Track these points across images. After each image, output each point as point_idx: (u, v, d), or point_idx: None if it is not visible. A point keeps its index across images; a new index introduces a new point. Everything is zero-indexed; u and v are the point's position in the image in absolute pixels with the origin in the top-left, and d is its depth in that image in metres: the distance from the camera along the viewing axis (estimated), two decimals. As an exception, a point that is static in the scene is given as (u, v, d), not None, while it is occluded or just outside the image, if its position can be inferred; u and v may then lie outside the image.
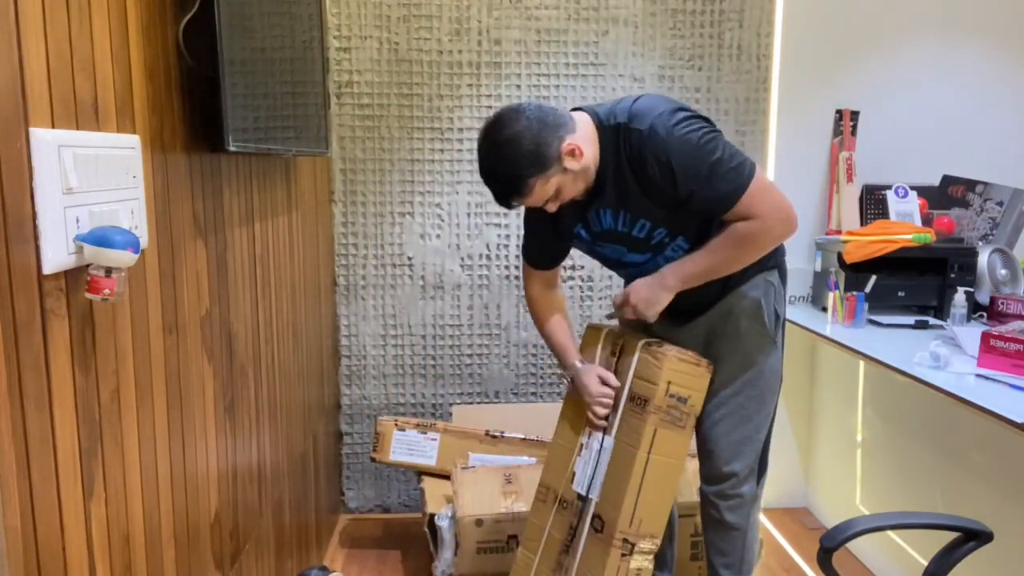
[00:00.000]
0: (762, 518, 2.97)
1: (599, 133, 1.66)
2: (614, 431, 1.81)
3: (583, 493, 1.84)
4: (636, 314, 1.77)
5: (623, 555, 1.73)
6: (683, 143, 1.58)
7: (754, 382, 1.82)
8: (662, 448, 1.74)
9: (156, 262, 1.20)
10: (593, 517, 1.79)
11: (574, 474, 1.87)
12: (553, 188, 1.62)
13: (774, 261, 1.84)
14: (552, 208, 1.68)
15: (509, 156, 1.58)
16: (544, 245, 1.89)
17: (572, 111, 1.69)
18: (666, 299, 1.74)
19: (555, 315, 1.95)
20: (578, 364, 1.89)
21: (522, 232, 1.93)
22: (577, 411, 1.89)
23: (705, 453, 1.88)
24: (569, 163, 1.60)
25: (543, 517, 1.92)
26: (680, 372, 1.74)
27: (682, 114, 1.61)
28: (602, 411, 1.81)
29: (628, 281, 1.87)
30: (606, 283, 2.89)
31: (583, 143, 1.62)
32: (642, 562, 1.74)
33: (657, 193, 1.65)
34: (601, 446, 1.82)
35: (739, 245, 1.67)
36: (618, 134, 1.63)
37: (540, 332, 1.98)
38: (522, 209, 1.78)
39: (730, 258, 1.70)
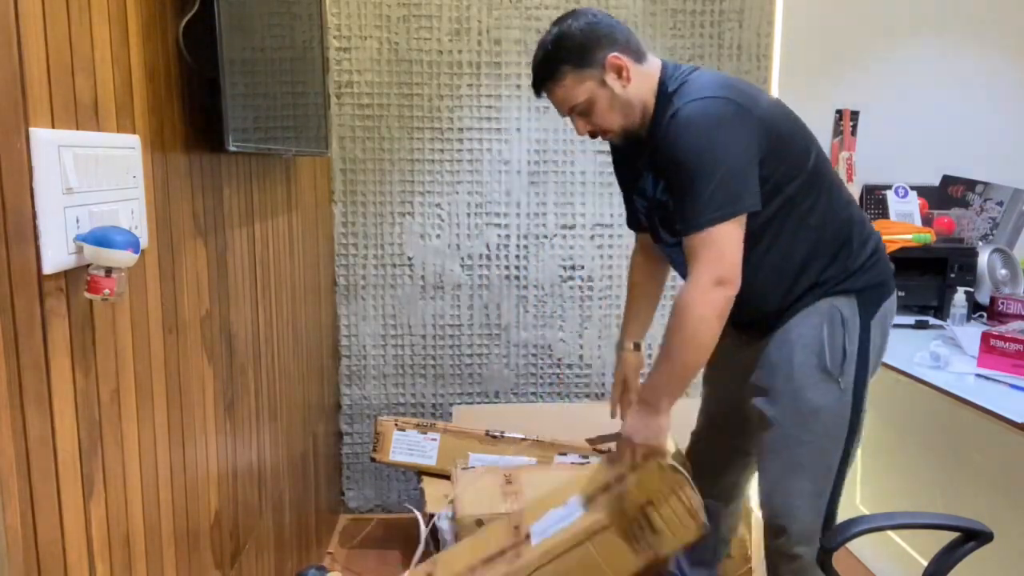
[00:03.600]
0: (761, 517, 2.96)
1: (659, 87, 1.56)
2: (593, 507, 1.70)
3: (530, 533, 1.77)
4: (646, 455, 1.62)
5: None
6: (690, 142, 1.46)
7: (808, 426, 1.59)
8: (602, 547, 1.60)
9: (156, 262, 1.20)
10: (517, 554, 1.76)
11: (543, 515, 1.81)
12: (585, 94, 1.54)
13: (853, 282, 1.60)
14: (581, 129, 1.59)
15: (558, 39, 1.54)
16: (629, 207, 1.81)
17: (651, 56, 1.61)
18: (666, 421, 1.59)
19: (638, 285, 1.88)
20: (624, 350, 1.84)
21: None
22: (594, 480, 1.79)
23: (760, 500, 1.72)
24: (611, 79, 1.53)
25: (497, 529, 1.92)
26: (670, 506, 1.58)
27: (719, 112, 1.45)
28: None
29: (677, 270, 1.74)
30: (606, 283, 2.89)
31: (637, 75, 1.54)
32: None
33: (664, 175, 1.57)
34: (575, 512, 1.73)
35: (676, 326, 1.50)
36: (666, 98, 1.54)
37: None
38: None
39: (674, 346, 1.51)
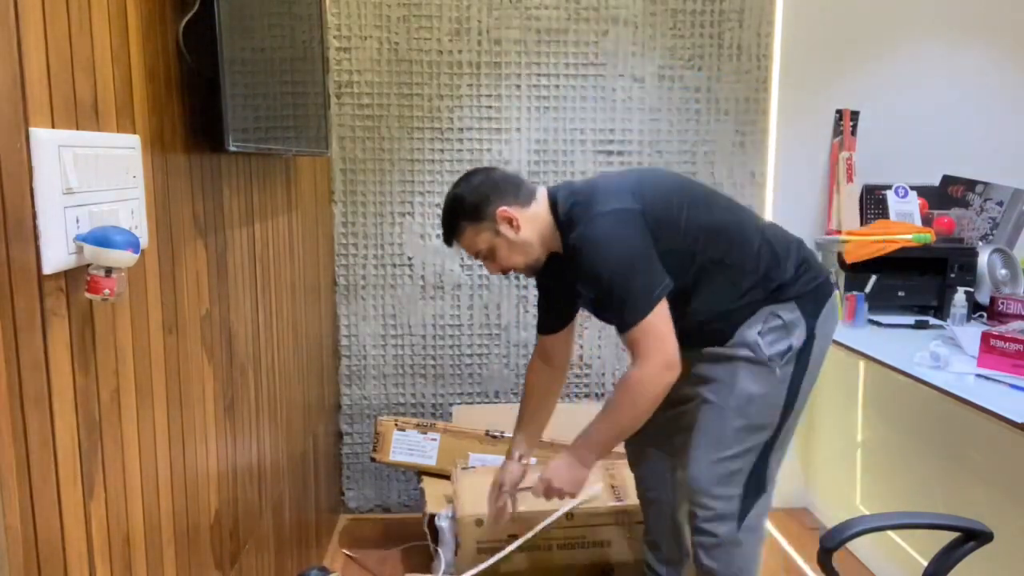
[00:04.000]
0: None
1: (555, 216, 1.77)
2: None
3: None
4: (564, 495, 1.82)
5: None
6: (597, 260, 1.66)
7: (742, 409, 1.75)
8: None
9: (156, 262, 1.20)
10: None
11: None
12: (484, 243, 1.78)
13: (787, 292, 1.76)
14: (491, 269, 1.84)
15: (454, 201, 1.79)
16: (549, 303, 1.99)
17: (541, 187, 1.83)
18: (587, 475, 1.80)
19: (536, 393, 2.02)
20: (509, 460, 2.01)
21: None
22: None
23: (685, 478, 1.83)
24: (504, 228, 1.76)
25: None
26: None
27: (609, 226, 1.66)
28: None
29: None
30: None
31: (526, 220, 1.76)
32: None
33: (585, 286, 1.75)
34: None
35: (628, 401, 1.69)
36: (566, 223, 1.74)
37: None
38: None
39: (624, 415, 1.72)
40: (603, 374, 2.93)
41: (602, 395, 2.94)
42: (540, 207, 1.79)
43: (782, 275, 1.77)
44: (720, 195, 1.88)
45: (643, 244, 1.66)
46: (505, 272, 1.85)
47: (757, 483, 1.78)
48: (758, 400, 1.75)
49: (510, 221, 1.76)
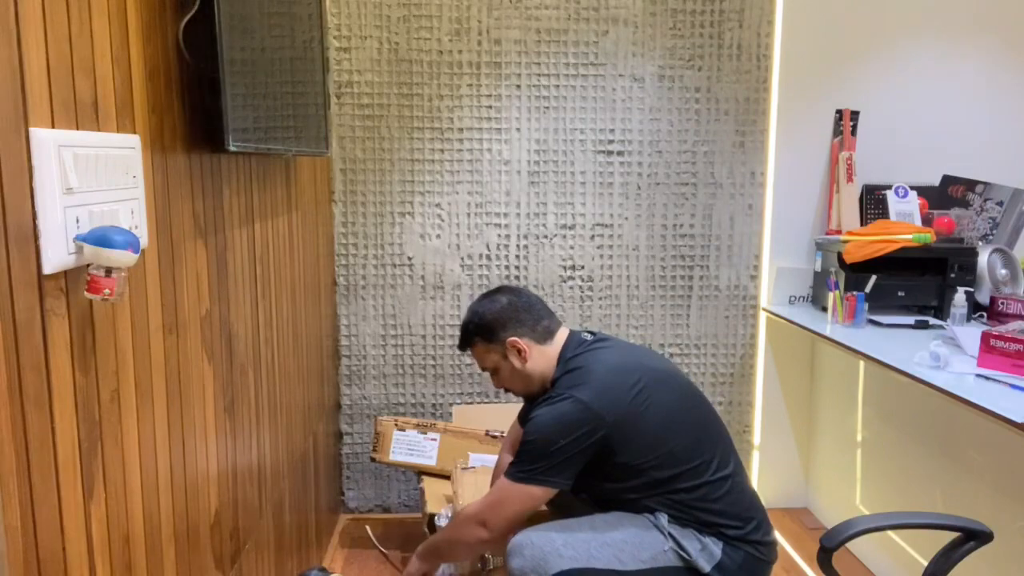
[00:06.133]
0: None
1: (559, 363, 1.83)
2: None
3: None
4: None
5: None
6: (550, 420, 1.70)
7: (613, 530, 1.72)
8: None
9: (156, 262, 1.20)
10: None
11: None
12: (491, 362, 1.88)
13: (728, 535, 1.72)
14: (495, 383, 1.93)
15: (474, 316, 1.89)
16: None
17: (564, 329, 1.90)
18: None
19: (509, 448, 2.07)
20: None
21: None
22: None
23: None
24: (512, 356, 1.84)
25: None
26: None
27: (571, 407, 1.69)
28: None
29: None
30: (606, 283, 2.89)
31: (536, 356, 1.84)
32: None
33: None
34: None
35: (446, 535, 1.84)
36: (561, 374, 1.81)
37: None
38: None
39: (442, 543, 1.86)
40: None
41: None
42: (552, 349, 1.86)
43: (731, 525, 1.73)
44: (710, 419, 1.83)
45: (573, 447, 1.68)
46: (505, 390, 1.93)
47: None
48: (636, 538, 1.70)
49: (519, 352, 1.84)
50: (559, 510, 1.96)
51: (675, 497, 1.73)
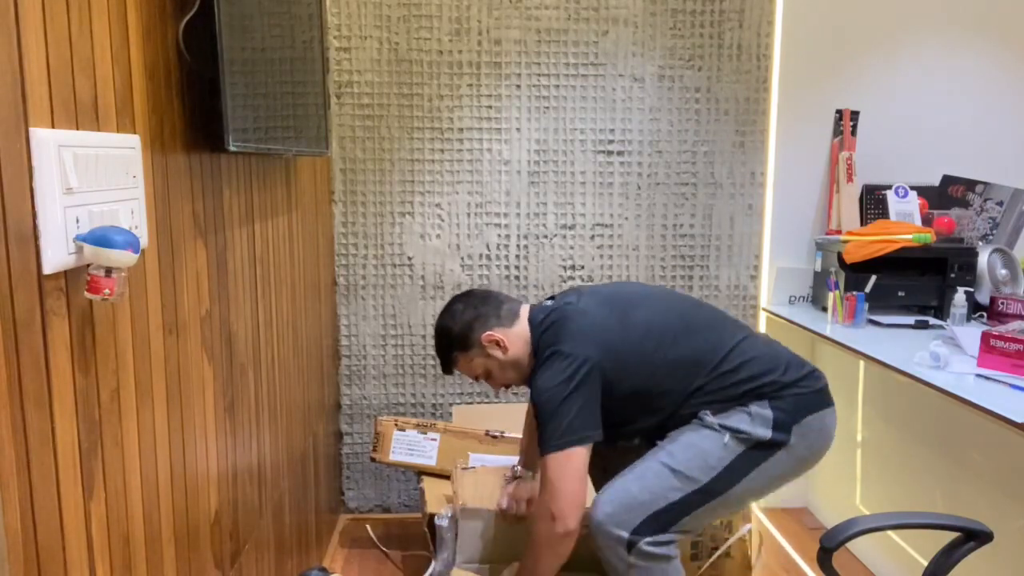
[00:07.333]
0: (762, 517, 2.97)
1: (532, 337, 1.86)
2: None
3: None
4: None
5: None
6: (546, 381, 1.72)
7: (674, 452, 1.76)
8: None
9: (156, 262, 1.20)
10: None
11: None
12: (479, 368, 1.90)
13: (769, 392, 1.76)
14: (494, 387, 1.94)
15: (441, 335, 1.91)
16: None
17: (524, 304, 1.93)
18: None
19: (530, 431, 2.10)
20: (520, 478, 2.10)
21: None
22: None
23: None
24: (493, 351, 1.86)
25: None
26: None
27: (568, 360, 1.72)
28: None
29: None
30: (606, 283, 2.89)
31: (513, 339, 1.86)
32: None
33: None
34: None
35: (531, 562, 1.76)
36: (536, 348, 1.83)
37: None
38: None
39: (531, 559, 1.77)
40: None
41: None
42: (522, 326, 1.88)
43: (763, 382, 1.77)
44: (699, 312, 1.87)
45: (579, 393, 1.71)
46: (506, 387, 1.93)
47: (656, 522, 1.75)
48: (695, 448, 1.75)
49: (497, 343, 1.85)
50: (608, 475, 1.94)
51: (702, 395, 1.77)
